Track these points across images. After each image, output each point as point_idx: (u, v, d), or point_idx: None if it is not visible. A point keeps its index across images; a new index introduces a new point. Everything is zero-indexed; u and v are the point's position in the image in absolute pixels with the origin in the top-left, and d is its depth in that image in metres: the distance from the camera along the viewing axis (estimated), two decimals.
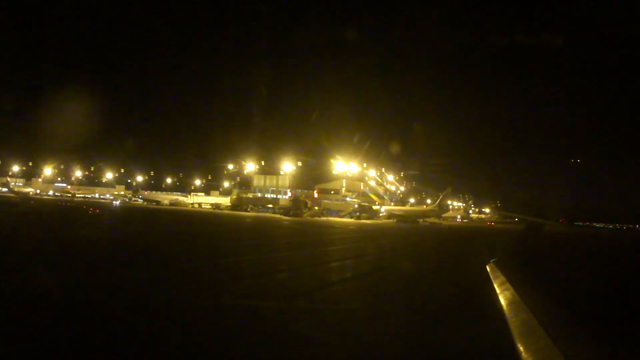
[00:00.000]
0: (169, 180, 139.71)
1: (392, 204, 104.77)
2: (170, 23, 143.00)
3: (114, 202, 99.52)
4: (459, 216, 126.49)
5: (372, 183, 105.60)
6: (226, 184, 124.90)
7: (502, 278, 10.98)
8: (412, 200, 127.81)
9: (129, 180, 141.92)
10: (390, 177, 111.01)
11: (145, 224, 35.77)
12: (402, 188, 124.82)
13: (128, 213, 54.42)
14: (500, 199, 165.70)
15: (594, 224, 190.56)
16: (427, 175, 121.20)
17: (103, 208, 62.23)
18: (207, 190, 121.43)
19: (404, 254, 23.44)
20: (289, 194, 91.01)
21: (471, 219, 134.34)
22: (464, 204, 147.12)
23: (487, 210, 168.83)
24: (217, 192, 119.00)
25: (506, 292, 9.13)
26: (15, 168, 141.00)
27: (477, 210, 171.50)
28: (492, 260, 13.90)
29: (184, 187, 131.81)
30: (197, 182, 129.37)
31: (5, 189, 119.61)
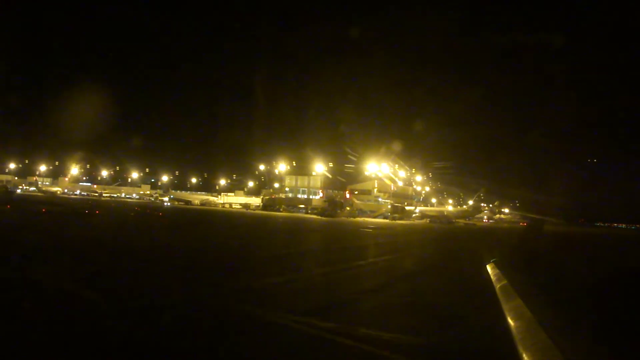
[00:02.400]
0: (193, 180, 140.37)
1: (418, 204, 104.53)
2: (198, 18, 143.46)
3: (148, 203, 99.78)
4: (485, 217, 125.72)
5: (400, 183, 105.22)
6: (250, 184, 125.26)
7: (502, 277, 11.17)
8: (433, 200, 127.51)
9: (152, 180, 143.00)
10: (419, 177, 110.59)
11: (213, 228, 35.56)
12: (428, 189, 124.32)
13: (181, 215, 53.87)
14: (518, 200, 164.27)
15: (616, 224, 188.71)
16: (453, 177, 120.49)
17: (153, 209, 62.54)
18: (231, 190, 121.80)
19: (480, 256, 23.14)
20: (321, 194, 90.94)
21: (497, 219, 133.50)
22: (492, 205, 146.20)
23: (506, 210, 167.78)
24: (241, 192, 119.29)
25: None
26: (43, 167, 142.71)
27: (497, 210, 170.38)
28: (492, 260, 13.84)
29: (208, 187, 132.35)
30: (222, 181, 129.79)
31: (33, 188, 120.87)
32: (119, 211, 48.49)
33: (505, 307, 7.98)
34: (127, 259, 14.10)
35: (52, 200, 64.11)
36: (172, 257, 15.25)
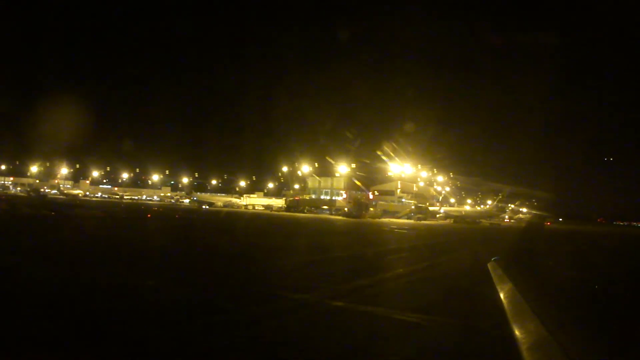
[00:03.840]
0: (213, 182, 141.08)
1: (438, 204, 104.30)
2: (226, 17, 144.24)
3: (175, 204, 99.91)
4: (506, 217, 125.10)
5: (422, 184, 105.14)
6: (270, 185, 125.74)
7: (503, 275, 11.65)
8: (452, 200, 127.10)
9: (172, 182, 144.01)
10: (440, 178, 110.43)
11: (260, 230, 36.01)
12: (448, 189, 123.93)
13: (219, 218, 54.38)
14: (535, 199, 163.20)
15: (636, 223, 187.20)
16: (474, 177, 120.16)
17: (192, 212, 63.38)
18: (252, 191, 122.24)
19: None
20: (344, 195, 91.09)
21: (517, 219, 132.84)
22: (513, 205, 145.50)
23: (524, 210, 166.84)
24: (261, 193, 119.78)
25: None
26: (64, 170, 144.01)
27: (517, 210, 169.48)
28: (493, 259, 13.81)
29: (228, 188, 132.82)
30: (242, 183, 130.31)
31: (55, 191, 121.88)
32: (167, 216, 48.84)
33: None
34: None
35: (82, 204, 64.84)
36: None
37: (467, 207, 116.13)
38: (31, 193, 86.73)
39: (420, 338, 7.49)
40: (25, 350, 5.97)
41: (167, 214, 51.17)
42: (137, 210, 55.70)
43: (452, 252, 25.37)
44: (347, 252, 21.95)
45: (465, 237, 40.77)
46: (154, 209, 61.19)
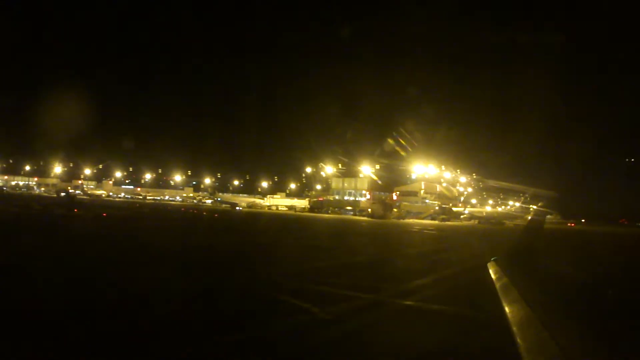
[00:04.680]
0: (235, 182, 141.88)
1: (461, 205, 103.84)
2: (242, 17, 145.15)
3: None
4: (529, 218, 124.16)
5: (444, 184, 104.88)
6: (292, 186, 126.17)
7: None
8: (473, 201, 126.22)
9: (194, 183, 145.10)
10: (463, 178, 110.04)
11: (308, 231, 36.65)
12: (470, 189, 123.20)
13: (260, 219, 54.91)
14: (556, 201, 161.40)
15: None
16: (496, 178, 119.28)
17: (226, 212, 64.08)
18: (273, 192, 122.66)
19: None
20: (368, 196, 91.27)
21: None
22: (535, 206, 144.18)
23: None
24: (283, 194, 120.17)
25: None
26: (87, 171, 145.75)
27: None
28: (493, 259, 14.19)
29: (250, 189, 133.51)
30: (264, 184, 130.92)
31: (78, 192, 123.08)
32: (202, 218, 49.45)
33: None
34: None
35: (112, 205, 65.58)
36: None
37: (488, 208, 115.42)
38: (60, 194, 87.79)
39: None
40: None
41: (213, 216, 51.85)
42: (178, 212, 56.51)
43: (491, 254, 25.48)
44: (390, 253, 22.36)
45: (494, 238, 40.74)
46: (192, 211, 61.59)
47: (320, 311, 8.65)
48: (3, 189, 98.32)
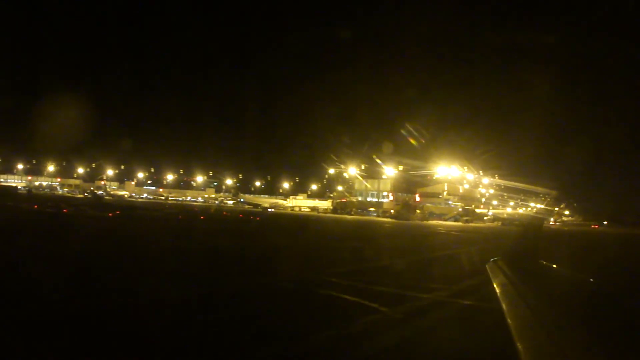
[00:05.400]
0: (257, 183, 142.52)
1: (482, 206, 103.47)
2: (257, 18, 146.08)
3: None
4: (552, 219, 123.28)
5: (467, 186, 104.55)
6: (314, 187, 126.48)
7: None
8: (495, 202, 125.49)
9: (215, 183, 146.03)
10: (486, 180, 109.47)
11: (342, 233, 37.26)
12: (492, 191, 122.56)
13: (293, 221, 55.22)
14: (576, 201, 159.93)
15: None
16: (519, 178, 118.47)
17: (259, 214, 64.71)
18: (294, 193, 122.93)
19: None
20: (391, 197, 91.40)
21: (562, 222, 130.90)
22: (558, 208, 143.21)
23: (567, 212, 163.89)
24: (304, 195, 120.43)
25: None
26: (110, 172, 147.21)
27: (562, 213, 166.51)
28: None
29: (271, 190, 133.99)
30: (286, 185, 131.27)
31: (101, 192, 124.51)
32: (247, 220, 49.97)
33: None
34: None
35: (138, 205, 66.22)
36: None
37: (509, 209, 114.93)
38: (86, 194, 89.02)
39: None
40: None
41: (248, 218, 52.44)
42: (206, 212, 57.11)
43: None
44: (427, 254, 22.79)
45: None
46: (224, 213, 61.98)
47: (389, 310, 9.11)
48: (30, 191, 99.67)
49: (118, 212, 39.88)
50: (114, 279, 11.31)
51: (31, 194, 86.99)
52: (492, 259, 4.54)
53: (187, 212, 55.12)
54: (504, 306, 3.18)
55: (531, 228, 5.13)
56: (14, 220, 28.26)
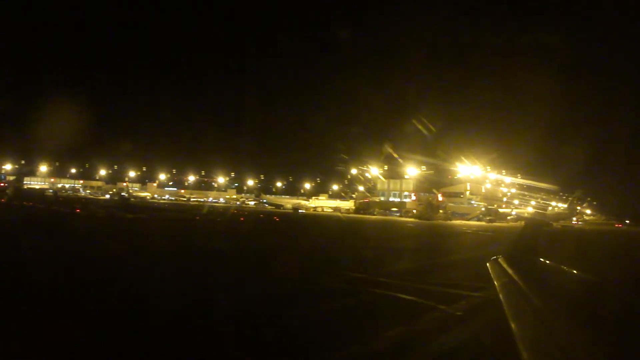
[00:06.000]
0: (279, 184, 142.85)
1: (504, 206, 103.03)
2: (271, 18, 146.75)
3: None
4: (575, 219, 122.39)
5: (489, 185, 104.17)
6: (335, 187, 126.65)
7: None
8: (515, 201, 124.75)
9: (236, 184, 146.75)
10: (508, 179, 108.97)
11: (378, 234, 37.90)
12: (514, 190, 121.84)
13: (319, 222, 55.40)
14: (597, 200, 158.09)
15: None
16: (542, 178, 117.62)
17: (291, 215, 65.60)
18: (315, 193, 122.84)
19: None
20: (413, 197, 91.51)
21: (585, 222, 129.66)
22: (581, 207, 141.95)
23: (589, 211, 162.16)
24: (325, 195, 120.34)
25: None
26: (132, 174, 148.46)
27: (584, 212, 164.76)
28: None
29: (292, 190, 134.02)
30: (307, 185, 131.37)
31: (124, 194, 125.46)
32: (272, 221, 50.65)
33: None
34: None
35: (166, 207, 67.19)
36: None
37: (530, 209, 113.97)
38: (113, 196, 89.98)
39: None
40: None
41: (284, 219, 53.14)
42: (245, 214, 57.52)
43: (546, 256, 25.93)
44: (462, 253, 23.22)
45: (550, 240, 40.94)
46: (261, 215, 61.55)
47: (447, 308, 9.63)
48: (57, 193, 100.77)
49: (151, 214, 40.70)
50: (213, 280, 12.26)
51: (58, 197, 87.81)
52: (492, 258, 4.53)
53: (222, 213, 55.67)
54: (504, 305, 3.18)
55: (532, 226, 5.16)
56: (66, 224, 28.74)
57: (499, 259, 4.50)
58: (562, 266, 3.99)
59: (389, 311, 9.60)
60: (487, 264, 4.39)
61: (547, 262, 4.08)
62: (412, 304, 10.14)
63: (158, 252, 17.18)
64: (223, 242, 22.52)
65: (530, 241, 4.63)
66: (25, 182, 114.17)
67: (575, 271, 3.92)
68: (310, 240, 27.61)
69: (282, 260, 16.75)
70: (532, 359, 2.35)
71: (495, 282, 3.83)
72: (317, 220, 56.48)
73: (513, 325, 2.79)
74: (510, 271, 4.03)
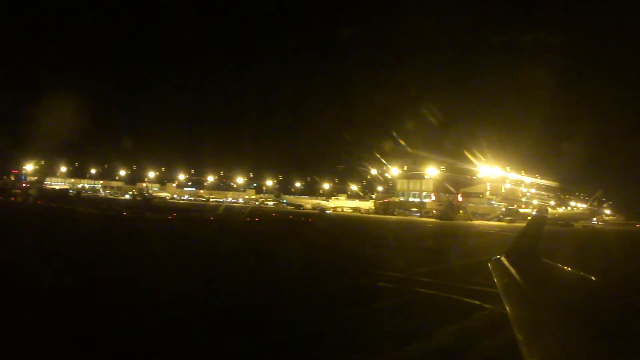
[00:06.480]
0: (298, 184, 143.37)
1: (524, 206, 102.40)
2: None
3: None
4: (594, 219, 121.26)
5: (508, 185, 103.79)
6: (354, 187, 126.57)
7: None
8: (535, 201, 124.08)
9: (255, 185, 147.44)
10: (528, 179, 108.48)
11: (406, 235, 38.32)
12: (533, 190, 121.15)
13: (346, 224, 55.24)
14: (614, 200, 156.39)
15: None
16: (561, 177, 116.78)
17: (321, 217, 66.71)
18: (333, 194, 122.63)
19: None
20: (433, 197, 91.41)
21: (605, 222, 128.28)
22: (601, 208, 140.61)
23: (608, 212, 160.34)
24: (344, 195, 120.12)
25: None
26: (151, 174, 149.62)
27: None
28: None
29: (311, 191, 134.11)
30: (326, 185, 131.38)
31: (146, 194, 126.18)
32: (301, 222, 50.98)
33: None
34: None
35: (188, 207, 67.65)
36: None
37: (548, 209, 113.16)
38: (135, 197, 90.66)
39: None
40: None
41: (314, 219, 53.54)
42: (266, 215, 57.88)
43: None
44: (492, 254, 23.34)
45: (577, 240, 40.96)
46: (290, 217, 61.15)
47: (494, 307, 10.02)
48: (79, 193, 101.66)
49: (175, 215, 41.36)
50: (272, 278, 13.19)
51: (81, 197, 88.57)
52: (493, 257, 4.43)
53: (251, 214, 56.05)
54: (505, 304, 3.17)
55: (532, 225, 4.87)
56: (101, 226, 29.21)
57: (502, 258, 4.40)
58: (563, 266, 3.98)
59: (438, 310, 10.04)
60: (489, 264, 4.33)
61: (547, 262, 4.02)
62: (459, 303, 10.57)
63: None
64: (262, 245, 23.09)
65: (532, 240, 4.42)
66: (46, 183, 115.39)
67: (575, 272, 3.88)
68: (349, 241, 28.13)
69: (324, 261, 17.29)
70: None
71: (496, 282, 3.80)
72: (345, 221, 56.71)
73: (514, 323, 2.79)
74: (512, 271, 3.99)
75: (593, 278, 3.54)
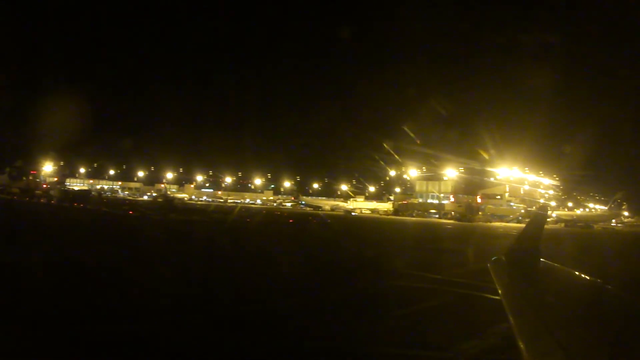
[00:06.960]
0: (315, 186, 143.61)
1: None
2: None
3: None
4: (614, 220, 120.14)
5: (527, 187, 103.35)
6: (371, 189, 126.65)
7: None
8: (553, 203, 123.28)
9: (272, 186, 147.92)
10: (547, 180, 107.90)
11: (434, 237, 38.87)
12: (551, 192, 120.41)
13: (376, 225, 55.49)
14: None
15: None
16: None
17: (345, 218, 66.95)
18: (351, 195, 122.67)
19: None
20: (452, 199, 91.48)
21: (625, 223, 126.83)
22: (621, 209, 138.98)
23: (626, 213, 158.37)
24: (362, 197, 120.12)
25: None
26: (169, 175, 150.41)
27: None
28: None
29: (329, 192, 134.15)
30: (344, 187, 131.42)
31: (167, 195, 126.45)
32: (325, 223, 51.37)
33: None
34: None
35: (212, 208, 68.15)
36: None
37: (566, 210, 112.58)
38: (159, 198, 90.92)
39: None
40: None
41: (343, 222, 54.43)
42: (300, 217, 58.31)
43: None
44: None
45: (599, 242, 41.03)
46: (310, 218, 61.24)
47: None
48: (100, 194, 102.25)
49: (202, 217, 42.04)
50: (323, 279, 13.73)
51: (102, 198, 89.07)
52: (493, 258, 4.48)
53: (275, 215, 56.45)
54: (505, 304, 3.20)
55: (532, 224, 4.80)
56: (138, 228, 30.19)
57: (502, 258, 4.49)
58: (562, 267, 4.03)
59: (482, 310, 10.48)
60: (488, 265, 4.34)
61: (547, 262, 4.03)
62: (499, 302, 11.03)
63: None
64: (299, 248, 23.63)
65: (532, 240, 4.36)
66: (66, 184, 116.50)
67: (574, 272, 3.93)
68: (375, 246, 28.51)
69: (354, 265, 17.85)
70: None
71: (496, 283, 3.81)
72: (365, 224, 57.05)
73: (513, 322, 2.84)
74: (511, 271, 4.08)
75: (591, 279, 3.62)
